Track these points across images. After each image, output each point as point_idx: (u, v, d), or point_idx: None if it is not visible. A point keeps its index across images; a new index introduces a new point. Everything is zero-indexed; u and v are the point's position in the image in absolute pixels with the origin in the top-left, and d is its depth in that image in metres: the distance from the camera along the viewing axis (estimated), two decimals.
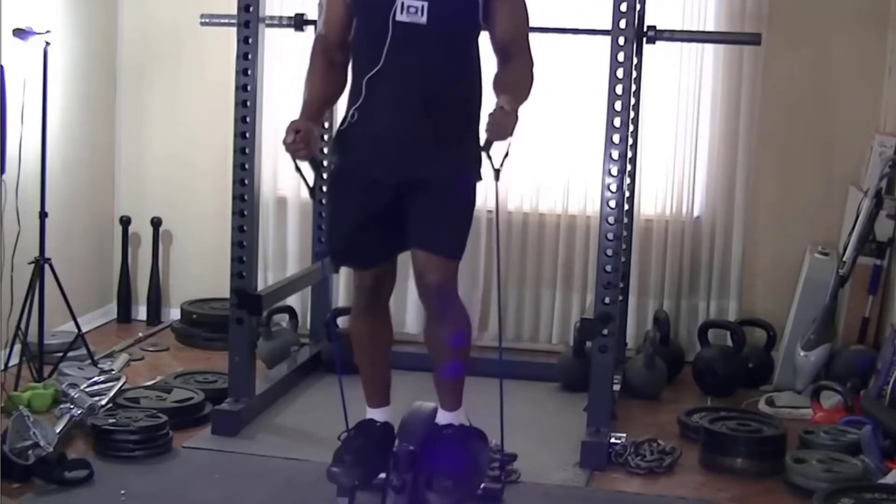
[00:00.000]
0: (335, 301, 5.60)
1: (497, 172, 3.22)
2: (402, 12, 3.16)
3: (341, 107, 3.38)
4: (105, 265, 5.96)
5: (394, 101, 3.20)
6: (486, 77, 3.33)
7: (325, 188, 3.37)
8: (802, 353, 4.93)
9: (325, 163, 3.98)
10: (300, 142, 3.11)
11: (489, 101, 3.21)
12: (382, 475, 3.33)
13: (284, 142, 3.13)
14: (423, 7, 3.15)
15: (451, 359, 3.37)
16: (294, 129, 3.13)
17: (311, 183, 3.29)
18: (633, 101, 4.58)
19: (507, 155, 3.19)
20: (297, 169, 3.23)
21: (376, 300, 3.42)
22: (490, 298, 5.49)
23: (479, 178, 3.31)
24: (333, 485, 3.38)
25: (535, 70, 3.32)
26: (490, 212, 5.49)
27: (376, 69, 3.18)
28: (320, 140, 3.30)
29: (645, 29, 4.70)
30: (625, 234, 4.75)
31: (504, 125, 3.09)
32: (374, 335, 3.45)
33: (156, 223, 5.90)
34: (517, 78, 3.26)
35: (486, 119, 3.08)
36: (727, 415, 4.44)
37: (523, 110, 3.19)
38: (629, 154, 4.54)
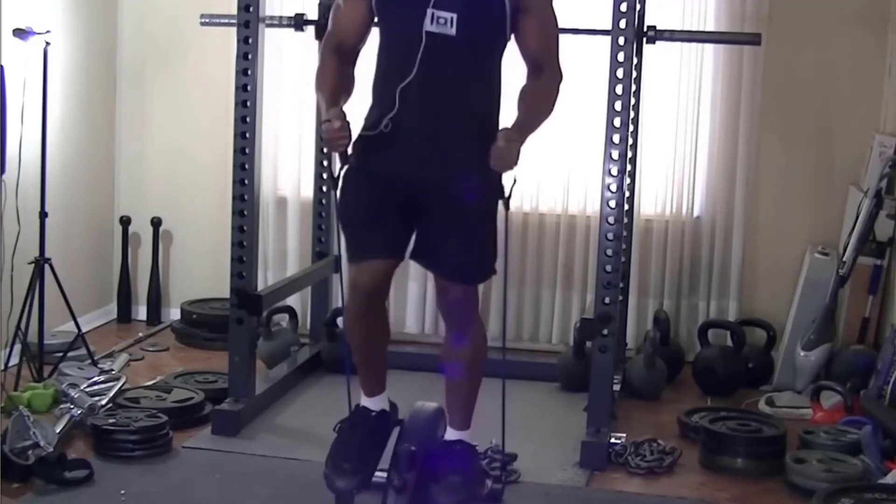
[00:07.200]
0: (335, 301, 5.59)
1: (507, 201, 3.24)
2: (431, 23, 3.14)
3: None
4: (105, 265, 5.96)
5: (425, 110, 3.18)
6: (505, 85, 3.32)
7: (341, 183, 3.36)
8: (802, 353, 4.93)
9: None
10: (344, 130, 3.10)
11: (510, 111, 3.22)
12: (380, 473, 3.32)
13: (331, 128, 3.08)
14: (452, 19, 3.13)
15: (464, 377, 3.38)
16: (338, 117, 3.10)
17: (336, 173, 3.29)
18: (633, 101, 4.58)
19: (514, 182, 3.21)
20: (327, 157, 3.22)
21: (369, 303, 3.35)
22: (490, 299, 5.48)
23: (501, 195, 3.26)
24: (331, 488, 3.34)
25: (561, 84, 3.31)
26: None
27: (409, 79, 3.16)
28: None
29: (645, 29, 4.70)
30: (625, 234, 4.74)
31: (508, 158, 3.08)
32: (370, 334, 3.40)
33: (156, 223, 5.90)
34: (538, 100, 3.26)
35: (492, 150, 3.06)
36: (727, 415, 4.44)
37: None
38: (629, 154, 4.54)
